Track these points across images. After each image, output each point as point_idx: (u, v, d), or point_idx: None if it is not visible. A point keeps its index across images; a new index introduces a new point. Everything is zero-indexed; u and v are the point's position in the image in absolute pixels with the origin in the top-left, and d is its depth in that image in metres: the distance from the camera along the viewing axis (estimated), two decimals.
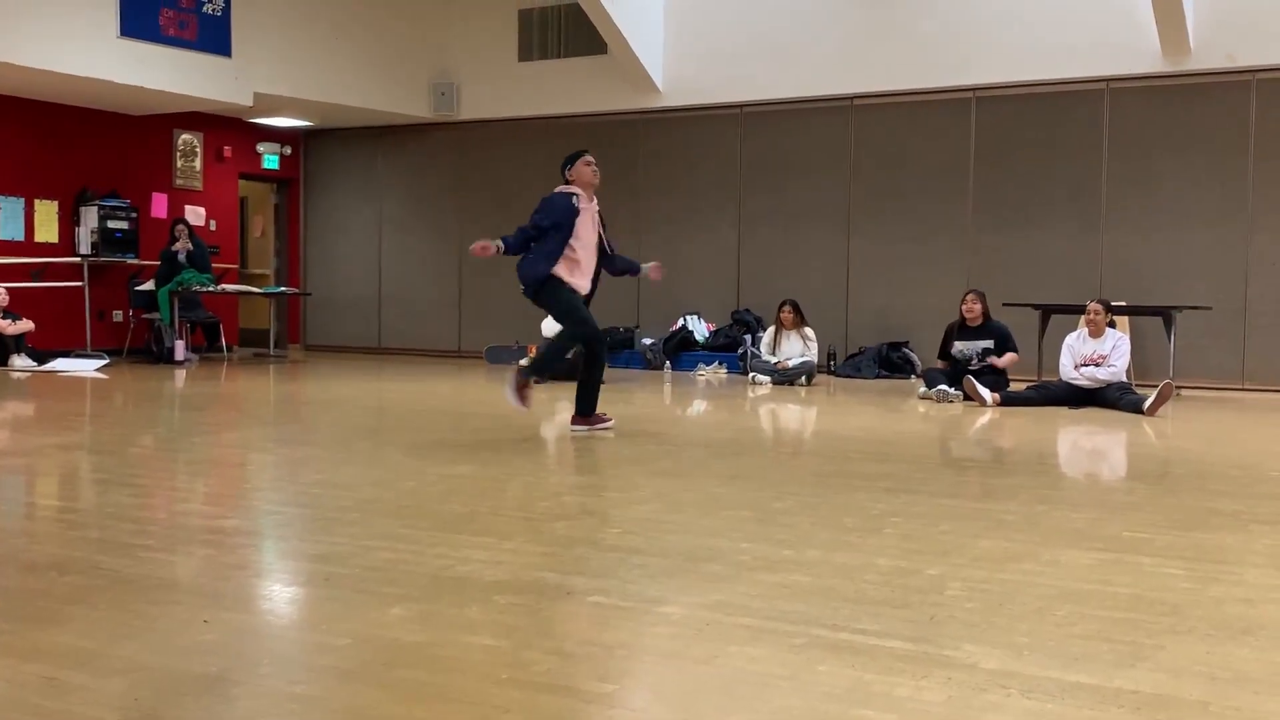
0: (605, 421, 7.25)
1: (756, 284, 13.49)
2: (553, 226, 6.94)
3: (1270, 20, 11.02)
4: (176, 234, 13.50)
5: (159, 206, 14.62)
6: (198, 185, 15.14)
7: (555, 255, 6.93)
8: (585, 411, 7.22)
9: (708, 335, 13.38)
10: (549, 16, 14.50)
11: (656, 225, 14.19)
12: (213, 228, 15.20)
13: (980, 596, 3.29)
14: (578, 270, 7.04)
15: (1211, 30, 11.19)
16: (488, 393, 10.51)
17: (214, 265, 14.13)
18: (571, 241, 6.96)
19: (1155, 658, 2.73)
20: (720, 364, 12.80)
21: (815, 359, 11.47)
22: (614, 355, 13.59)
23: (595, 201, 7.18)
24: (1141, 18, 11.28)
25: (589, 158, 7.20)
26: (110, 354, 13.18)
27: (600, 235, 7.17)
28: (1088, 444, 7.54)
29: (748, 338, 12.76)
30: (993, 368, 9.71)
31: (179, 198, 14.87)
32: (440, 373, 12.52)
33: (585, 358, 7.29)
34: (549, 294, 7.02)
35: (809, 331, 11.52)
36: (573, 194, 7.02)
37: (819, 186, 13.20)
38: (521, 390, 6.90)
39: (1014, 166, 12.27)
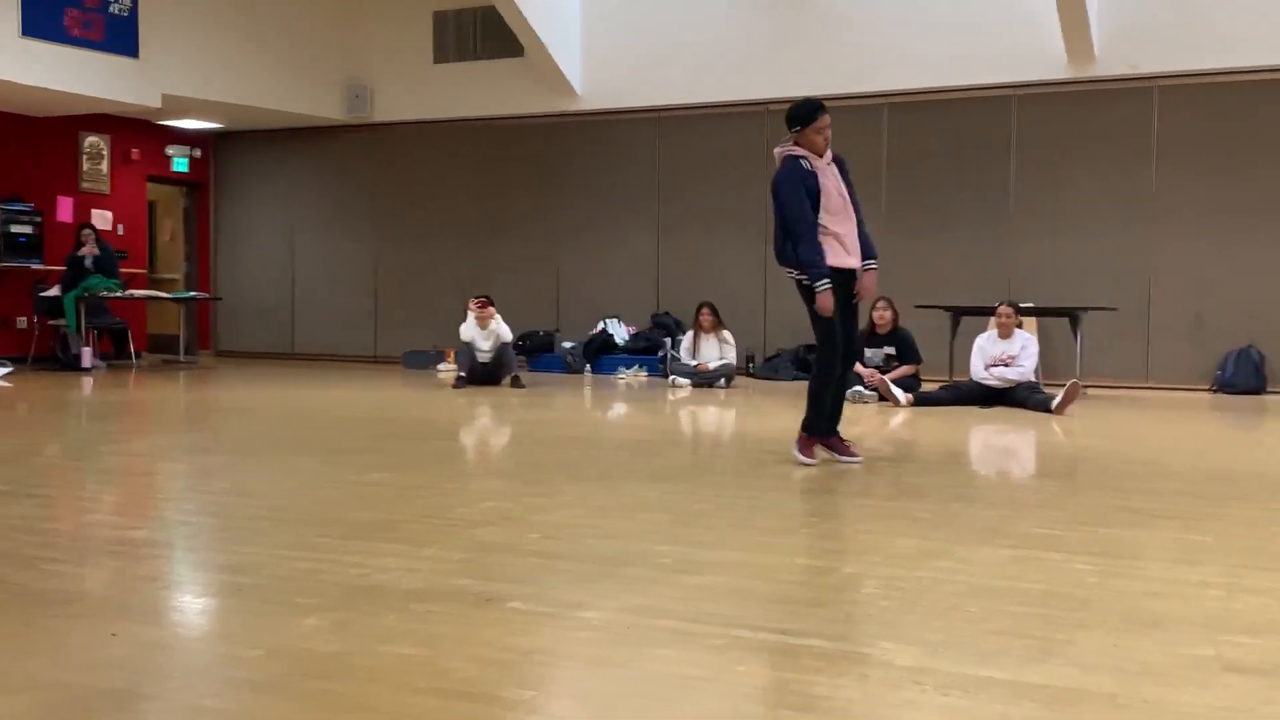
0: (850, 455, 5.96)
1: (676, 288, 13.54)
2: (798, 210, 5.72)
3: (1171, 29, 11.34)
4: (83, 238, 13.22)
5: (64, 210, 14.27)
6: (105, 189, 14.80)
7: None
8: (818, 429, 6.00)
9: (627, 339, 13.40)
10: (465, 18, 14.42)
11: (575, 229, 14.18)
12: (120, 232, 14.89)
13: (896, 594, 3.33)
14: (838, 248, 5.77)
15: (1115, 39, 11.48)
16: (405, 398, 10.42)
17: (122, 270, 13.86)
18: (821, 217, 5.74)
19: (1065, 652, 2.78)
20: (640, 367, 12.83)
21: (734, 361, 11.56)
22: (534, 359, 13.57)
23: (830, 159, 5.87)
24: (1048, 27, 11.54)
25: (825, 119, 5.77)
26: (14, 362, 12.83)
27: (853, 197, 5.88)
28: (998, 443, 7.68)
29: (667, 341, 12.80)
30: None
31: (85, 201, 14.52)
32: (356, 379, 12.38)
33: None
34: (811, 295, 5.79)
35: (727, 334, 11.60)
36: (800, 156, 5.81)
37: (737, 191, 13.29)
38: (808, 447, 5.92)
39: (925, 172, 12.47)
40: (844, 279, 5.80)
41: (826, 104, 5.92)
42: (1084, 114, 11.90)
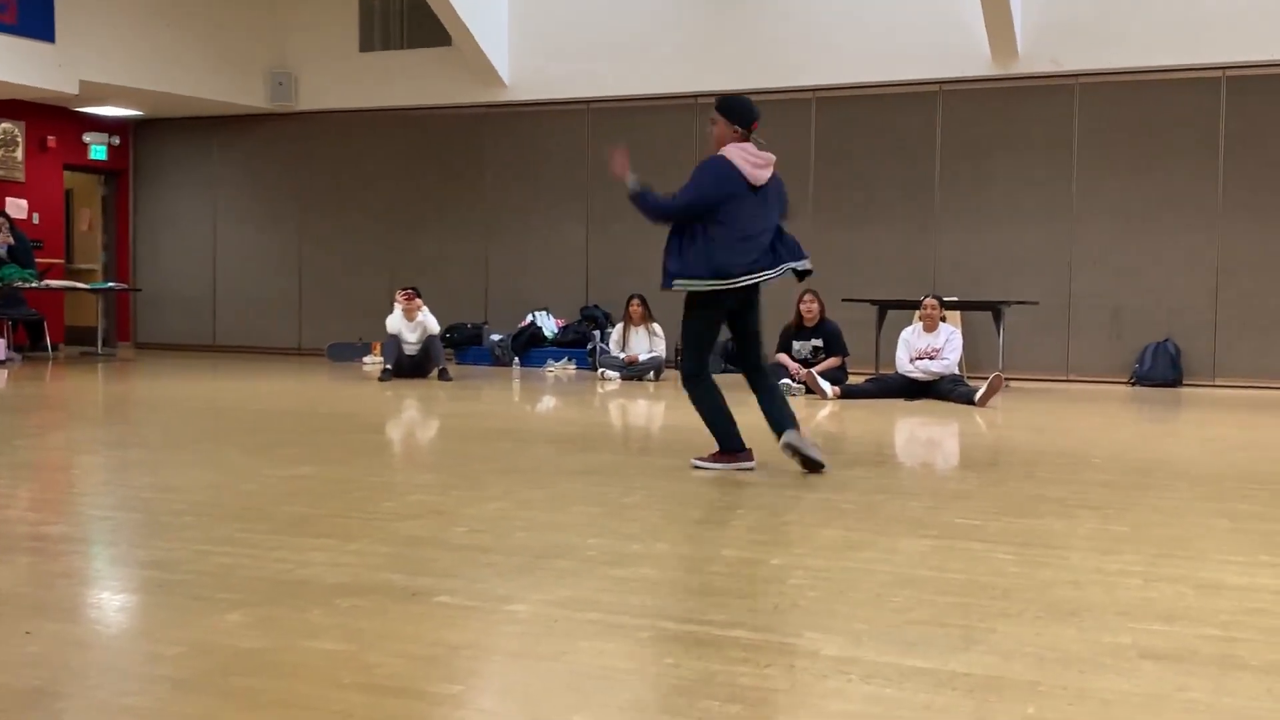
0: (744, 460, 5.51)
1: (606, 280, 13.52)
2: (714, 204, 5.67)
3: (1092, 27, 11.56)
4: None
5: None
6: (19, 177, 14.44)
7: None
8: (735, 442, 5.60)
9: (557, 331, 13.36)
10: (391, 6, 14.27)
11: (504, 220, 14.11)
12: (36, 221, 14.54)
13: (822, 585, 3.36)
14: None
15: (1038, 36, 11.68)
16: (330, 391, 10.30)
17: (37, 260, 13.55)
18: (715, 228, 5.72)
19: (987, 640, 2.83)
20: (569, 360, 12.80)
21: (663, 354, 11.57)
22: (461, 352, 13.48)
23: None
24: (972, 23, 11.70)
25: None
26: None
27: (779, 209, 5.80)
28: (922, 435, 7.78)
29: (597, 334, 12.79)
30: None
31: None
32: (280, 371, 12.21)
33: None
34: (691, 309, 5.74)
35: (657, 327, 11.61)
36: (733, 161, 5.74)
37: (667, 183, 13.23)
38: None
39: (853, 166, 12.58)
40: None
41: (754, 97, 5.98)
42: (1007, 110, 12.09)
